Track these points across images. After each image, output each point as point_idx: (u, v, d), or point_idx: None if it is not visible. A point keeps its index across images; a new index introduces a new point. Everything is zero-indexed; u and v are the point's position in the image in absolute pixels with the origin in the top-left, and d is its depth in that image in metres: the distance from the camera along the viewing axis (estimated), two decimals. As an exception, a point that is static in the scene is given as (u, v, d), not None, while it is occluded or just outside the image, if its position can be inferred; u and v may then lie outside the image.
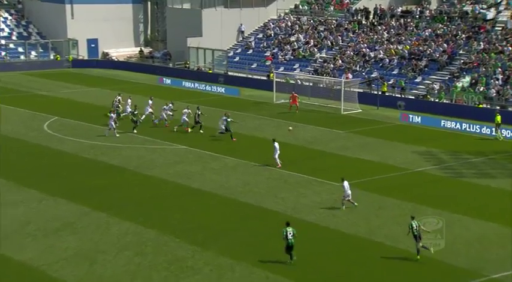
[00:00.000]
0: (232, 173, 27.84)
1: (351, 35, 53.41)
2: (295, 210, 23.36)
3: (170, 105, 36.74)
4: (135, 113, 34.42)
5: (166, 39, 61.86)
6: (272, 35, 58.57)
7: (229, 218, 22.66)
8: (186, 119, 34.95)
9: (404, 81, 44.27)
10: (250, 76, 52.35)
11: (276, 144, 28.70)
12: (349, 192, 23.10)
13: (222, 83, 50.24)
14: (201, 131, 34.48)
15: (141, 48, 62.43)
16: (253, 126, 36.92)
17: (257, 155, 30.63)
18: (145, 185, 26.39)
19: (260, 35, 59.72)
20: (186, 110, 35.48)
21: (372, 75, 46.71)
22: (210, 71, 53.85)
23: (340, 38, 53.45)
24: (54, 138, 33.60)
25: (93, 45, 61.52)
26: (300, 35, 56.07)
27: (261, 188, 25.90)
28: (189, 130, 34.69)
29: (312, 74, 49.14)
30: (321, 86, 46.80)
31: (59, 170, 28.19)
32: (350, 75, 46.97)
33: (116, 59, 60.81)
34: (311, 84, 46.75)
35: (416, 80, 45.44)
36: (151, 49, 63.31)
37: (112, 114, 33.80)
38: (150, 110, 36.32)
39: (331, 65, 49.64)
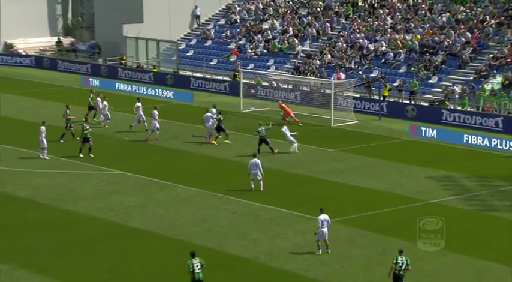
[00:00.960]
0: (186, 207, 27.79)
1: (343, 22, 54.19)
2: (271, 256, 23.35)
3: (213, 109, 37.74)
4: (87, 128, 33.70)
5: (94, 27, 61.73)
6: (238, 21, 59.04)
7: (181, 267, 22.56)
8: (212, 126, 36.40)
9: (415, 82, 45.03)
10: (208, 76, 52.57)
11: (254, 161, 28.93)
12: (325, 230, 23.10)
13: (170, 86, 50.33)
14: (228, 141, 36.32)
15: (58, 38, 62.15)
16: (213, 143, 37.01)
17: (219, 181, 30.72)
18: (64, 224, 26.10)
19: (222, 21, 60.14)
20: (209, 114, 36.77)
21: (372, 75, 47.40)
22: (155, 70, 53.93)
23: (328, 25, 54.18)
24: None
25: (-9, 34, 60.96)
26: (275, 21, 56.64)
27: (224, 226, 25.88)
28: (214, 142, 35.98)
29: (292, 74, 49.60)
30: (304, 89, 47.22)
31: None
32: (342, 75, 47.59)
33: (23, 53, 60.33)
34: (290, 86, 47.19)
35: (430, 81, 46.29)
36: (73, 39, 63.04)
37: (42, 127, 33.51)
38: (157, 125, 36.64)
39: (317, 62, 50.23)
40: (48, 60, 58.17)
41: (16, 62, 58.63)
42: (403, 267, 19.95)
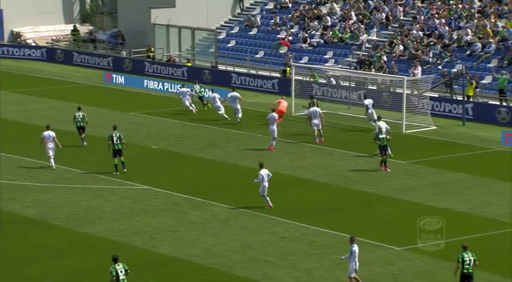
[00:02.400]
0: (225, 229, 27.93)
1: (419, 5, 53.86)
2: (329, 291, 23.45)
3: (369, 101, 40.48)
4: (119, 136, 33.04)
5: (117, 12, 62.52)
6: (289, 5, 59.13)
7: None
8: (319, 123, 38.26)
9: (504, 78, 44.45)
10: (253, 72, 52.72)
11: (264, 172, 29.19)
12: (356, 265, 22.79)
13: (208, 83, 50.64)
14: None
15: (74, 26, 63.09)
16: (259, 152, 37.15)
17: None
18: (80, 249, 26.45)
19: (270, 5, 60.31)
20: (316, 109, 38.01)
21: (454, 70, 47.00)
22: (189, 64, 54.34)
23: (400, 9, 53.91)
24: None
25: (-5, 21, 62.18)
26: (335, 5, 56.60)
27: (271, 254, 25.91)
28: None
29: (355, 68, 49.49)
30: (370, 87, 47.01)
31: None
32: (418, 70, 47.28)
33: (33, 43, 61.41)
34: (353, 84, 47.08)
35: (527, 78, 45.71)
36: (91, 27, 63.92)
37: (49, 133, 33.74)
38: (275, 133, 37.23)
39: (385, 54, 50.00)
40: (62, 53, 59.09)
41: (24, 54, 59.62)
42: (471, 265, 21.62)
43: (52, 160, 34.00)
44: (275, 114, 37.47)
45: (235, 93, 41.93)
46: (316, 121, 37.95)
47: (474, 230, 27.84)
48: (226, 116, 41.83)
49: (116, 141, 33.06)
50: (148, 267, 25.04)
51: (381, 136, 34.19)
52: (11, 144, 37.73)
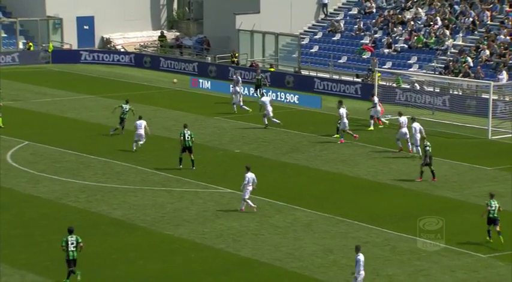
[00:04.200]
0: (307, 234, 27.93)
1: (508, 9, 52.84)
2: (411, 298, 23.18)
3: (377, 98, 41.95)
4: (190, 134, 34.44)
5: (203, 19, 63.15)
6: (374, 10, 58.77)
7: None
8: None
9: None
10: (336, 77, 52.54)
11: (250, 176, 29.34)
12: (360, 274, 22.40)
13: (291, 88, 50.68)
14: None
15: (162, 32, 63.98)
16: (341, 157, 37.05)
17: (347, 204, 30.74)
18: (165, 252, 26.78)
19: (354, 11, 60.06)
20: (406, 125, 36.90)
21: (542, 76, 46.01)
22: (272, 69, 54.46)
23: (488, 13, 53.01)
24: (22, 175, 34.56)
25: (86, 27, 63.49)
26: (420, 10, 56.01)
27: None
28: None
29: (441, 74, 48.86)
30: (455, 93, 46.35)
31: (28, 227, 28.84)
32: (505, 76, 46.40)
33: (122, 49, 62.52)
34: (437, 90, 46.51)
35: None
36: (178, 34, 64.74)
37: (141, 122, 37.31)
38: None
39: (471, 59, 49.23)
40: (150, 58, 59.96)
41: (114, 60, 60.65)
42: (496, 210, 25.79)
43: (134, 144, 36.96)
44: (405, 118, 36.88)
45: (267, 98, 42.32)
46: (404, 130, 36.46)
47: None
48: (275, 120, 41.39)
49: (187, 138, 34.19)
50: (232, 269, 25.20)
51: (426, 146, 32.52)
52: (100, 147, 38.47)
